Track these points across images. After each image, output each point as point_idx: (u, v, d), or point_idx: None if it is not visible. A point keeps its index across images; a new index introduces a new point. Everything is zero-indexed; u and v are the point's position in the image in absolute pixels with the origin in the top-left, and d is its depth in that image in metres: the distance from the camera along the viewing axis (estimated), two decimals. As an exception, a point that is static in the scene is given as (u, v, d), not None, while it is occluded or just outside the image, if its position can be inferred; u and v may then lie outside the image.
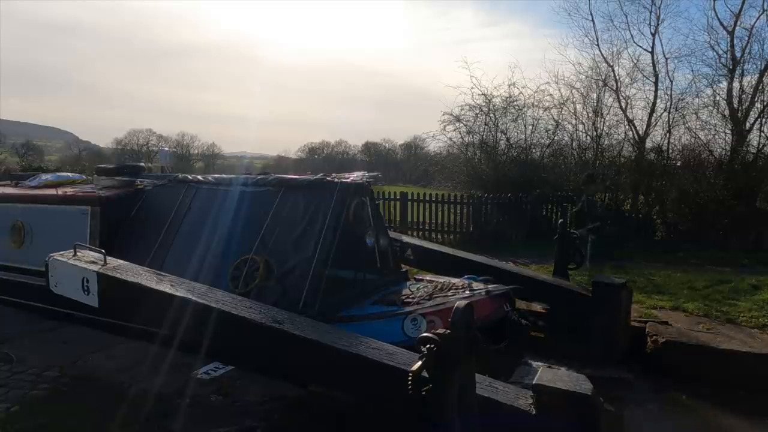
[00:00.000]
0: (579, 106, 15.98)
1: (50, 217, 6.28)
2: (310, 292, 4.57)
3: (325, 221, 4.87)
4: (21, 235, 6.39)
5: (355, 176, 5.44)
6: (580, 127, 15.99)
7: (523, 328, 4.54)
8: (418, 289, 4.92)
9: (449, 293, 4.67)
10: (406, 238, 7.26)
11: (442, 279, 5.09)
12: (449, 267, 6.42)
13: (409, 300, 4.73)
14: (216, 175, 6.17)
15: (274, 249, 4.98)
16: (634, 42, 15.91)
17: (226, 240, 5.27)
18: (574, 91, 16.03)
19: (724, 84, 14.43)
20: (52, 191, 6.56)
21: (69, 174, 8.22)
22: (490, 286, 4.77)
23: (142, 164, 7.58)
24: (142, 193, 6.24)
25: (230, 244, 5.21)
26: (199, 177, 6.11)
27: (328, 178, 5.21)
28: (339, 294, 4.96)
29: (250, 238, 5.10)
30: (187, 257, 5.26)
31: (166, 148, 10.62)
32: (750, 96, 13.78)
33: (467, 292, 4.64)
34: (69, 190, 6.56)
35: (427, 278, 5.34)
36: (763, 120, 13.45)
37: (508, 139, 15.99)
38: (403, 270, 5.84)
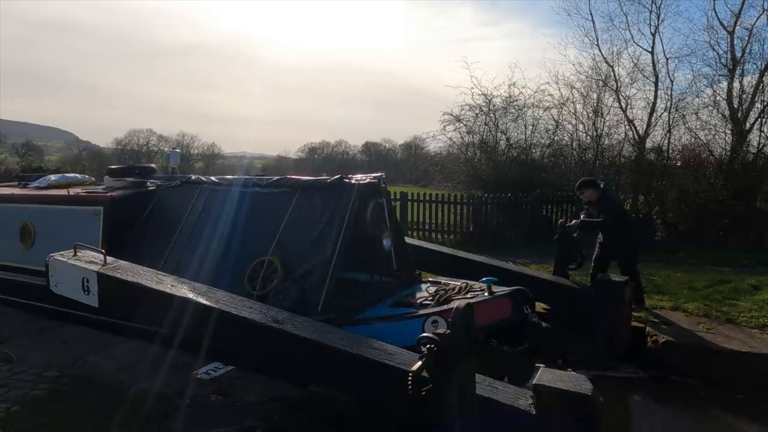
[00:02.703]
0: (579, 106, 16.01)
1: (61, 218, 6.27)
2: (329, 294, 4.56)
3: (343, 223, 4.83)
4: (31, 236, 6.39)
5: (371, 177, 5.40)
6: (580, 127, 16.02)
7: (543, 330, 4.52)
8: (436, 291, 4.90)
9: (468, 295, 4.64)
10: (405, 239, 7.25)
11: (459, 281, 5.07)
12: (449, 267, 6.42)
13: (428, 302, 4.72)
14: (229, 176, 6.14)
15: (292, 251, 4.95)
16: (634, 42, 15.93)
17: (241, 242, 5.24)
18: (574, 91, 16.06)
19: (724, 84, 14.45)
20: (62, 192, 6.55)
21: (77, 175, 8.21)
22: (510, 288, 4.74)
23: (153, 165, 7.55)
24: (154, 195, 6.23)
25: (246, 246, 5.18)
26: (213, 178, 6.09)
27: (345, 180, 5.17)
28: (357, 295, 4.95)
29: (266, 239, 5.07)
30: (202, 259, 5.24)
31: (177, 150, 10.49)
32: (750, 96, 13.79)
33: (486, 294, 4.62)
34: (80, 191, 6.55)
35: (444, 281, 5.31)
36: (763, 120, 13.45)
37: (508, 139, 16.01)
38: (417, 272, 5.83)
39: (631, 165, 14.14)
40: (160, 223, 5.91)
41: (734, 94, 14.02)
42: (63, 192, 6.56)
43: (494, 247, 10.59)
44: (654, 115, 15.15)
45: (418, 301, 4.78)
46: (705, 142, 14.18)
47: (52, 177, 7.69)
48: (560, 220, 7.48)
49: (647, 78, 15.51)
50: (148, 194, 6.26)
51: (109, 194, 6.13)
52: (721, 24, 14.75)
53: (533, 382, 2.86)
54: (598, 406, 2.79)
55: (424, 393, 2.50)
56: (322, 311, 4.42)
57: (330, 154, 66.06)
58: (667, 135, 14.57)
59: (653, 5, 15.51)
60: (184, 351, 4.73)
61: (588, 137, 15.77)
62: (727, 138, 14.11)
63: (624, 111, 15.47)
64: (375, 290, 5.24)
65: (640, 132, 15.24)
